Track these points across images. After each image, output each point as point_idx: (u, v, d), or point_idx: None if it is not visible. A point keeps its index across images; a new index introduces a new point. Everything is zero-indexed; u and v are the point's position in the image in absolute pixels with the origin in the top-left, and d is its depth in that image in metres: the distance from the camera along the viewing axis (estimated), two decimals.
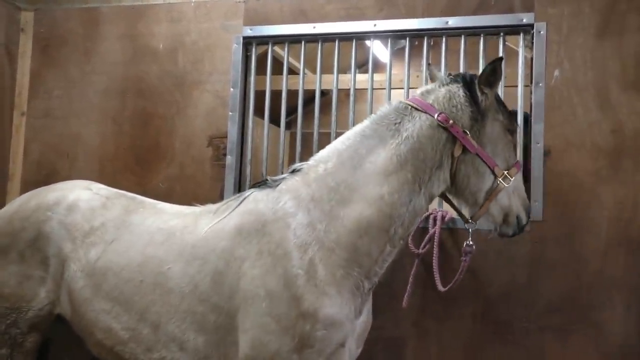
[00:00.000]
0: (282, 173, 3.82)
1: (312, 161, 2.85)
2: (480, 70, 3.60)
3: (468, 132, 2.69)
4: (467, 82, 2.77)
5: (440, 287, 3.22)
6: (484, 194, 2.75)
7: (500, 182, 2.72)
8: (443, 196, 2.93)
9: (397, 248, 2.75)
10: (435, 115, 2.67)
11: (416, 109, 2.73)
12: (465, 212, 2.85)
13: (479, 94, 2.74)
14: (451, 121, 2.67)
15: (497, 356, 3.50)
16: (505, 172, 2.73)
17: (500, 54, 3.64)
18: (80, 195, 3.17)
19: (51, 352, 3.53)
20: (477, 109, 2.72)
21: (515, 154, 2.87)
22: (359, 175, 2.68)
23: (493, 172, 2.72)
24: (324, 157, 2.81)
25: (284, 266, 2.56)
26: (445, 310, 3.57)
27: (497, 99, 2.85)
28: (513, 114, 2.88)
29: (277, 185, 2.82)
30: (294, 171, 2.86)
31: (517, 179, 2.80)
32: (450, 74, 2.89)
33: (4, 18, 4.34)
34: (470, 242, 2.89)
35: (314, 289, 2.53)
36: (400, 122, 2.73)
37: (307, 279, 2.54)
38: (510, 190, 2.76)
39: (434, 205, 3.51)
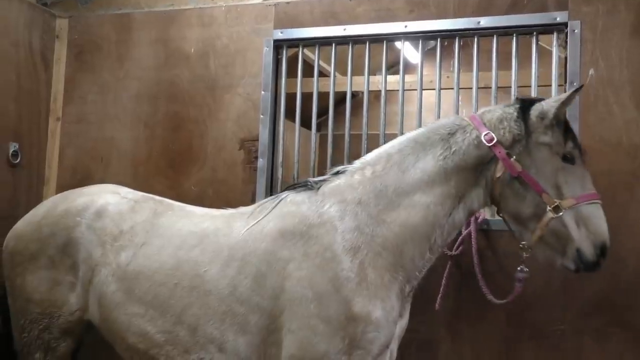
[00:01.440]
0: (313, 175, 3.87)
1: (357, 163, 2.87)
2: (513, 73, 3.63)
3: (513, 155, 2.63)
4: (524, 105, 2.71)
5: (494, 300, 3.17)
6: (532, 220, 2.63)
7: (549, 210, 2.57)
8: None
9: (435, 255, 2.78)
10: (483, 134, 2.66)
11: (470, 125, 2.73)
12: (515, 234, 2.76)
13: (532, 117, 2.65)
14: (495, 141, 2.64)
15: (532, 359, 3.45)
16: (557, 202, 2.56)
17: (534, 54, 3.60)
18: (109, 200, 3.20)
19: (80, 356, 3.57)
20: (522, 132, 2.64)
21: (584, 185, 2.63)
22: (407, 180, 2.71)
23: (541, 198, 2.58)
24: (372, 160, 2.83)
25: (333, 269, 2.59)
26: (479, 312, 3.53)
27: (565, 123, 2.69)
28: (574, 140, 2.68)
29: (319, 187, 2.83)
30: (337, 173, 2.87)
31: (585, 210, 2.56)
32: (519, 97, 2.82)
33: (40, 25, 4.42)
34: (524, 268, 2.79)
35: (365, 292, 2.56)
36: (452, 135, 2.73)
37: (359, 282, 2.57)
38: (570, 221, 2.56)
39: None
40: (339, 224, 2.66)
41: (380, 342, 2.57)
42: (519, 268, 2.78)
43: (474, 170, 2.68)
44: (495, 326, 3.52)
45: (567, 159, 2.63)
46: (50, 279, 3.09)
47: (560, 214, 2.54)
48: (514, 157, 2.62)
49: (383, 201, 2.69)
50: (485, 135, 2.65)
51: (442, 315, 3.55)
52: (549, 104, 2.63)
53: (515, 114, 2.68)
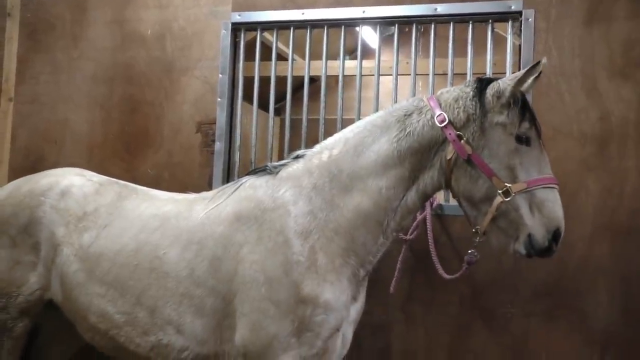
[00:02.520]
0: (271, 159, 3.87)
1: (317, 147, 2.89)
2: (469, 60, 3.67)
3: (464, 136, 2.59)
4: (482, 85, 2.66)
5: (445, 275, 3.18)
6: (484, 203, 2.59)
7: (499, 194, 2.52)
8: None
9: (390, 240, 2.78)
10: (436, 115, 2.64)
11: (426, 106, 2.71)
12: (470, 219, 2.71)
13: (488, 96, 2.61)
14: (446, 122, 2.61)
15: (483, 341, 3.54)
16: (507, 185, 2.50)
17: (489, 41, 3.65)
18: (73, 181, 3.19)
19: (41, 338, 3.54)
20: (477, 112, 2.59)
21: (540, 169, 2.56)
22: (361, 163, 2.70)
23: (491, 181, 2.54)
24: (330, 144, 2.84)
25: (284, 253, 2.61)
26: (432, 295, 3.60)
27: (522, 103, 2.61)
28: (531, 121, 2.61)
29: (278, 171, 2.85)
30: (297, 157, 2.89)
31: (540, 194, 2.51)
32: (477, 78, 2.77)
33: None
34: (474, 252, 2.78)
35: (314, 275, 2.59)
36: (409, 117, 2.71)
37: (308, 266, 2.59)
38: (522, 205, 2.51)
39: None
40: (293, 209, 2.68)
41: (329, 325, 2.60)
42: (469, 251, 2.79)
43: (429, 152, 2.66)
44: (448, 309, 3.59)
45: (522, 140, 2.57)
46: (10, 259, 3.07)
47: (509, 198, 2.50)
48: (466, 138, 2.58)
49: (337, 185, 2.70)
50: (438, 116, 2.63)
51: (396, 299, 3.60)
52: (505, 82, 2.60)
53: (472, 93, 2.64)
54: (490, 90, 2.62)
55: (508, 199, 2.51)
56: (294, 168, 2.82)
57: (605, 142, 3.42)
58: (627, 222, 3.38)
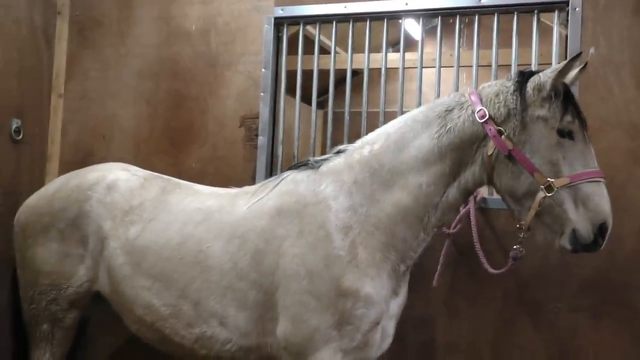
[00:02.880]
0: (313, 153, 3.89)
1: (358, 143, 2.91)
2: (513, 51, 3.61)
3: (504, 131, 2.56)
4: (523, 78, 2.63)
5: (490, 270, 3.14)
6: (527, 199, 2.56)
7: (542, 189, 2.49)
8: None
9: (430, 236, 2.79)
10: (477, 110, 2.62)
11: (467, 101, 2.69)
12: (514, 214, 2.69)
13: (529, 89, 2.58)
14: (487, 117, 2.59)
15: (528, 337, 3.49)
16: (550, 180, 2.47)
17: (534, 32, 3.58)
18: (119, 176, 3.27)
19: (89, 329, 3.64)
20: (518, 106, 2.56)
21: (585, 162, 2.54)
22: (402, 158, 2.71)
23: (533, 177, 2.51)
24: (372, 139, 2.86)
25: (325, 247, 2.64)
26: (476, 290, 3.56)
27: (565, 95, 2.58)
28: (574, 114, 2.56)
29: (319, 166, 2.87)
30: (338, 152, 2.92)
31: (585, 188, 2.48)
32: (519, 71, 2.73)
33: (41, 2, 4.40)
34: (519, 247, 2.72)
35: (355, 269, 2.61)
36: (450, 112, 2.71)
37: (349, 260, 2.62)
38: (566, 200, 2.48)
39: None
40: (333, 203, 2.71)
41: (369, 319, 2.62)
42: (514, 247, 2.75)
43: (470, 148, 2.65)
44: (491, 303, 3.55)
45: (564, 133, 2.53)
46: (60, 252, 3.17)
47: (552, 193, 2.47)
48: (506, 133, 2.56)
49: (378, 180, 2.71)
50: (479, 111, 2.61)
51: (439, 293, 3.57)
52: (546, 75, 2.56)
53: (513, 87, 2.61)
54: (531, 84, 2.59)
55: (551, 194, 2.48)
56: (335, 163, 2.84)
57: None
58: None
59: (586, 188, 2.49)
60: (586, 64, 2.58)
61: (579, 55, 2.55)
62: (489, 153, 2.60)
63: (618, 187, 3.33)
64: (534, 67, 3.57)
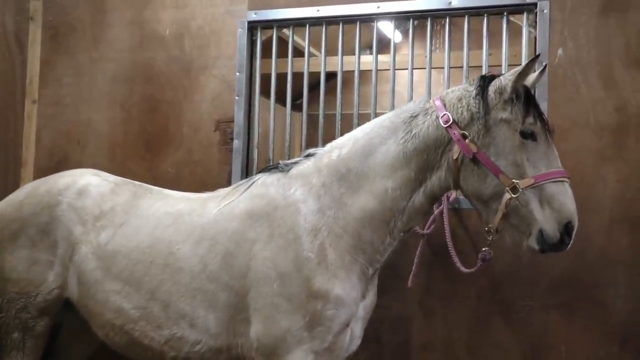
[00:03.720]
0: (289, 156, 3.91)
1: (327, 147, 2.95)
2: (484, 53, 3.66)
3: (468, 135, 2.59)
4: (484, 82, 2.66)
5: (463, 269, 3.14)
6: (494, 201, 2.58)
7: (507, 191, 2.51)
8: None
9: (397, 240, 2.81)
10: (440, 115, 2.65)
11: (432, 107, 2.73)
12: (482, 217, 2.71)
13: (491, 93, 2.61)
14: (450, 122, 2.62)
15: (502, 335, 3.54)
16: (516, 182, 2.49)
17: (504, 34, 3.63)
18: (90, 181, 3.26)
19: (61, 337, 3.62)
20: (481, 110, 2.59)
21: (549, 163, 2.56)
22: (369, 164, 2.75)
23: (498, 179, 2.53)
24: (340, 144, 2.90)
25: (295, 250, 2.67)
26: (450, 290, 3.60)
27: (525, 97, 2.60)
28: (535, 115, 2.58)
29: (289, 169, 2.90)
30: (308, 155, 2.94)
31: (549, 189, 2.50)
32: (481, 75, 2.76)
33: (13, 7, 4.39)
34: (487, 249, 2.74)
35: (324, 271, 2.64)
36: (415, 118, 2.74)
37: (318, 262, 2.65)
38: (532, 200, 2.50)
39: None
40: (303, 207, 2.74)
41: (340, 320, 2.65)
42: (483, 249, 2.77)
43: (435, 153, 2.68)
44: (466, 303, 3.59)
45: (527, 135, 2.55)
46: (29, 258, 3.13)
47: (517, 194, 2.49)
48: (470, 137, 2.59)
49: (345, 185, 2.75)
50: (443, 116, 2.64)
51: (414, 293, 3.61)
52: (507, 78, 2.59)
53: (475, 91, 2.65)
54: (492, 87, 2.62)
55: (516, 195, 2.50)
56: (304, 166, 2.87)
57: (623, 132, 3.38)
58: None
59: (550, 188, 2.51)
60: (545, 66, 2.64)
61: (536, 57, 2.59)
62: (455, 157, 2.62)
63: (587, 186, 3.40)
64: (504, 68, 3.63)
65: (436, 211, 3.48)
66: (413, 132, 2.70)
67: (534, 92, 3.41)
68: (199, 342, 2.81)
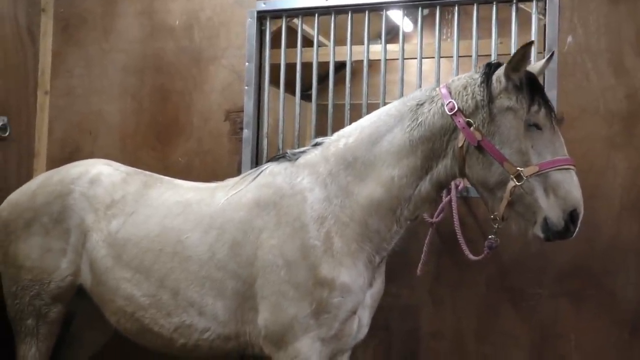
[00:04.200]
0: (298, 145, 3.92)
1: (335, 136, 2.96)
2: (493, 41, 3.65)
3: (473, 122, 2.59)
4: (490, 70, 2.65)
5: (471, 256, 3.14)
6: (499, 189, 2.57)
7: (512, 179, 2.51)
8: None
9: (404, 228, 2.82)
10: (446, 103, 2.66)
11: (438, 95, 2.72)
12: (487, 205, 2.71)
13: (494, 81, 2.60)
14: (455, 109, 2.62)
15: (511, 322, 3.54)
16: (520, 170, 2.49)
17: (513, 22, 3.61)
18: (102, 170, 3.31)
19: (74, 326, 3.67)
20: (485, 98, 2.58)
21: (554, 150, 2.54)
22: (375, 152, 2.76)
23: (503, 167, 2.52)
24: (347, 132, 2.91)
25: (301, 237, 2.70)
26: (460, 277, 3.61)
27: (530, 85, 2.58)
28: (540, 103, 2.56)
29: (297, 158, 2.92)
30: (315, 144, 2.97)
31: (554, 176, 2.48)
32: (487, 63, 2.75)
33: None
34: (494, 237, 2.75)
35: (330, 259, 2.66)
36: (421, 106, 2.74)
37: (325, 250, 2.67)
38: (537, 188, 2.49)
39: None
40: (309, 195, 2.76)
41: (346, 307, 2.67)
42: (489, 237, 2.78)
43: (441, 141, 2.68)
44: (475, 291, 3.60)
45: (532, 123, 2.54)
46: (42, 246, 3.19)
47: (522, 182, 2.49)
48: (475, 125, 2.59)
49: (352, 173, 2.76)
50: (448, 104, 2.64)
51: (423, 281, 3.62)
52: (516, 62, 2.56)
53: (480, 79, 2.64)
54: (495, 76, 2.62)
55: (521, 183, 2.50)
56: (312, 155, 2.89)
57: (633, 120, 3.36)
58: None
59: (556, 176, 2.50)
60: (553, 53, 2.63)
61: (529, 44, 2.55)
62: (460, 145, 2.62)
63: (596, 174, 3.39)
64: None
65: (445, 200, 3.48)
66: (419, 120, 2.71)
67: (544, 80, 3.44)
68: (208, 330, 2.85)
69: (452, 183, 3.48)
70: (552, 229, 2.51)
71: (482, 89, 2.61)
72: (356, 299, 2.70)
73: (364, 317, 2.86)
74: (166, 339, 2.94)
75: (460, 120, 2.61)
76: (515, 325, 3.53)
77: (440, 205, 3.49)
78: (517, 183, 2.50)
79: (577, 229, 2.52)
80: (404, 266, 3.53)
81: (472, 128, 2.59)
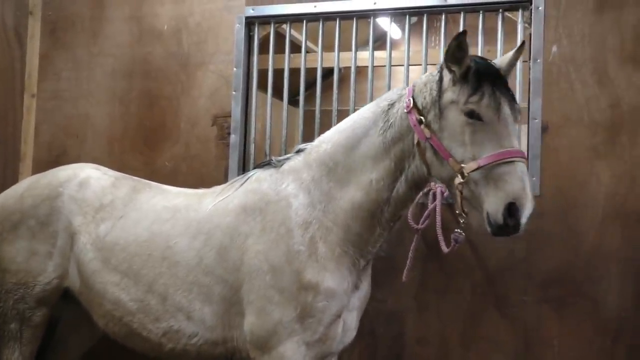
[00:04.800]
0: (285, 151, 3.94)
1: (316, 141, 2.98)
2: (479, 49, 3.68)
3: (425, 119, 2.57)
4: (446, 64, 2.57)
5: (444, 248, 3.10)
6: (451, 186, 2.54)
7: (458, 175, 2.45)
8: None
9: (387, 230, 2.82)
10: (405, 101, 2.67)
11: (405, 94, 2.71)
12: (453, 201, 2.66)
13: (444, 75, 2.56)
14: (410, 107, 2.61)
15: (496, 328, 3.56)
16: (462, 166, 2.44)
17: (499, 31, 3.66)
18: (91, 174, 3.32)
19: (59, 330, 3.66)
20: (436, 93, 2.55)
21: (498, 143, 2.42)
22: (354, 156, 2.77)
23: (449, 164, 2.48)
24: (327, 137, 2.93)
25: (286, 243, 2.72)
26: (445, 283, 3.63)
27: (476, 76, 2.49)
28: (482, 93, 2.45)
29: (281, 165, 2.95)
30: (298, 151, 2.98)
31: (497, 170, 2.38)
32: None
33: (13, 2, 4.41)
34: (459, 231, 2.77)
35: (315, 263, 2.68)
36: (392, 107, 2.73)
37: (309, 255, 2.69)
38: (480, 183, 2.41)
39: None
40: (294, 201, 2.78)
41: (330, 312, 2.68)
42: (455, 230, 2.79)
43: (409, 141, 2.65)
44: (460, 297, 3.62)
45: (473, 114, 2.45)
46: (28, 249, 3.18)
47: (465, 178, 2.42)
48: (425, 122, 2.56)
49: (334, 178, 2.78)
50: (407, 102, 2.64)
51: (409, 287, 3.64)
52: (452, 53, 2.50)
53: (438, 75, 2.60)
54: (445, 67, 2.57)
55: (464, 180, 2.44)
56: (295, 162, 2.92)
57: (616, 129, 3.40)
58: (638, 209, 3.36)
59: (497, 169, 2.39)
60: (523, 43, 2.65)
61: (462, 33, 2.47)
62: (415, 142, 2.62)
63: (580, 182, 3.43)
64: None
65: (430, 206, 3.50)
66: (390, 121, 2.70)
67: (529, 89, 3.47)
68: (196, 335, 2.86)
69: (438, 189, 3.51)
70: (492, 223, 2.40)
71: (438, 85, 2.57)
72: (340, 302, 2.72)
73: (351, 320, 2.87)
74: (154, 344, 2.95)
75: (413, 118, 2.60)
76: (500, 331, 3.56)
77: (426, 211, 3.50)
78: (461, 179, 2.45)
79: (520, 224, 2.37)
80: (390, 272, 3.55)
81: (422, 125, 2.57)
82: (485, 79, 2.48)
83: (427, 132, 2.55)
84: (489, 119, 2.45)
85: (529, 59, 3.57)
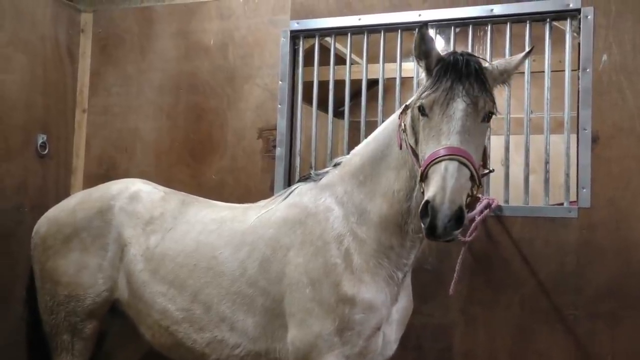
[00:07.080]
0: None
1: (350, 154, 3.00)
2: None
3: (405, 125, 2.56)
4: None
5: (461, 237, 2.93)
6: None
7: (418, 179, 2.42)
8: None
9: (418, 242, 2.75)
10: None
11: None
12: None
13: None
14: (401, 111, 2.65)
15: (546, 343, 3.49)
16: (416, 169, 2.44)
17: (547, 41, 3.61)
18: (142, 188, 3.41)
19: (106, 344, 3.72)
20: (417, 94, 2.51)
21: (437, 140, 2.31)
22: (380, 168, 2.78)
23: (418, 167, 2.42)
24: (358, 150, 2.95)
25: (323, 256, 2.74)
26: (493, 297, 3.58)
27: (439, 70, 2.39)
28: (432, 87, 2.36)
29: (320, 179, 2.99)
30: (335, 164, 3.02)
31: (429, 172, 2.27)
32: None
33: (65, 20, 4.55)
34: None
35: (350, 276, 2.69)
36: (406, 113, 2.68)
37: (345, 267, 2.70)
38: (425, 186, 2.31)
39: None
40: (330, 214, 2.81)
41: (369, 324, 2.67)
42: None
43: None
44: (508, 311, 3.56)
45: (420, 110, 2.38)
46: (80, 262, 3.25)
47: (421, 184, 2.35)
48: (403, 126, 2.57)
49: (364, 191, 2.80)
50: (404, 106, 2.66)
51: (456, 301, 3.60)
52: (417, 48, 2.46)
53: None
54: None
55: (420, 184, 2.37)
56: (332, 175, 2.95)
57: None
58: None
59: (429, 171, 2.29)
60: (532, 48, 2.63)
61: (423, 25, 2.41)
62: (400, 149, 2.63)
63: (632, 193, 3.35)
64: (546, 75, 3.61)
65: (478, 219, 3.46)
66: (402, 129, 2.66)
67: (578, 99, 3.41)
68: (239, 346, 2.88)
69: (486, 201, 3.48)
70: (423, 227, 2.27)
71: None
72: (379, 315, 2.70)
73: (390, 333, 2.83)
74: (198, 354, 2.98)
75: (400, 124, 2.63)
76: (550, 345, 3.48)
77: (473, 224, 3.46)
78: (418, 185, 2.43)
79: (441, 226, 2.17)
80: (436, 285, 3.52)
81: (403, 130, 2.58)
82: (447, 74, 2.37)
83: (403, 137, 2.58)
84: (433, 115, 2.36)
85: (578, 69, 3.51)
